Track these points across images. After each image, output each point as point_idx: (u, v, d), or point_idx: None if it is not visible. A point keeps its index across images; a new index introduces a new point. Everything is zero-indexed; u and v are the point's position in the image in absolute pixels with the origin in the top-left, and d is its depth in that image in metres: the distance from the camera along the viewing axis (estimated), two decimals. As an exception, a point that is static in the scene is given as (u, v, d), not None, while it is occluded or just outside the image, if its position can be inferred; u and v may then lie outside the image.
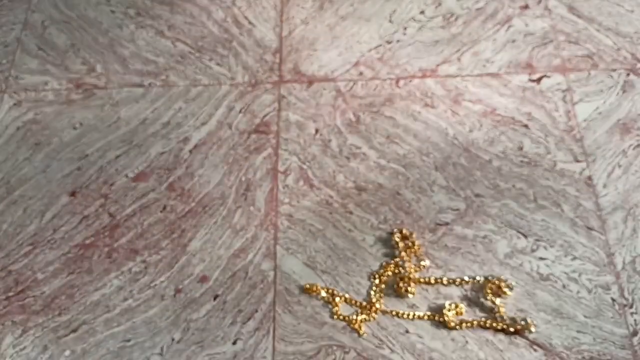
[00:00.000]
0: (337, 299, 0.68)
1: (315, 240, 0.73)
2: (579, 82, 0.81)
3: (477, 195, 0.74)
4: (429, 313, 0.67)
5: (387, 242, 0.72)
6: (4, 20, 0.94)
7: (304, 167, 0.78)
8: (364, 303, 0.68)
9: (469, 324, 0.66)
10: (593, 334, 0.65)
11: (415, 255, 0.70)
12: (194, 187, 0.78)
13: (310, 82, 0.85)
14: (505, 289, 0.67)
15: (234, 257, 0.73)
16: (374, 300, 0.68)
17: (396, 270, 0.69)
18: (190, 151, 0.80)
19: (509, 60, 0.84)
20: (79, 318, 0.70)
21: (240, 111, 0.83)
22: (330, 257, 0.72)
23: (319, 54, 0.87)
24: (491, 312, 0.67)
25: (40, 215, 0.77)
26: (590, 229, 0.71)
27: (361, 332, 0.66)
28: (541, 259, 0.70)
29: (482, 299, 0.68)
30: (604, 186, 0.74)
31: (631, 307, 0.66)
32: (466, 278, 0.69)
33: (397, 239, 0.71)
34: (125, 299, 0.71)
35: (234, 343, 0.68)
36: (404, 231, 0.71)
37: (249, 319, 0.69)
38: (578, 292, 0.67)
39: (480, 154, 0.77)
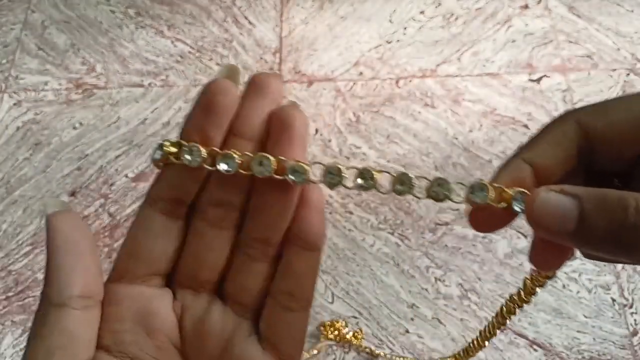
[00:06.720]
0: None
1: (315, 240, 0.73)
2: (579, 82, 0.81)
3: (477, 195, 0.74)
4: None
5: (387, 242, 0.72)
6: (4, 20, 0.94)
7: (304, 167, 0.78)
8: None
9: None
10: (593, 334, 0.65)
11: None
12: (194, 187, 0.78)
13: (310, 82, 0.85)
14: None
15: (234, 257, 0.72)
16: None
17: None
18: (190, 151, 0.80)
19: (509, 60, 0.84)
20: (79, 318, 0.70)
21: (240, 111, 0.83)
22: (330, 257, 0.72)
23: (319, 53, 0.87)
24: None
25: (40, 215, 0.77)
26: (590, 229, 0.71)
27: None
28: (541, 259, 0.70)
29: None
30: (604, 186, 0.74)
31: (631, 307, 0.66)
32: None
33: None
34: (125, 299, 0.71)
35: (234, 343, 0.67)
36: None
37: (249, 319, 0.69)
38: (578, 292, 0.67)
39: (480, 154, 0.77)
